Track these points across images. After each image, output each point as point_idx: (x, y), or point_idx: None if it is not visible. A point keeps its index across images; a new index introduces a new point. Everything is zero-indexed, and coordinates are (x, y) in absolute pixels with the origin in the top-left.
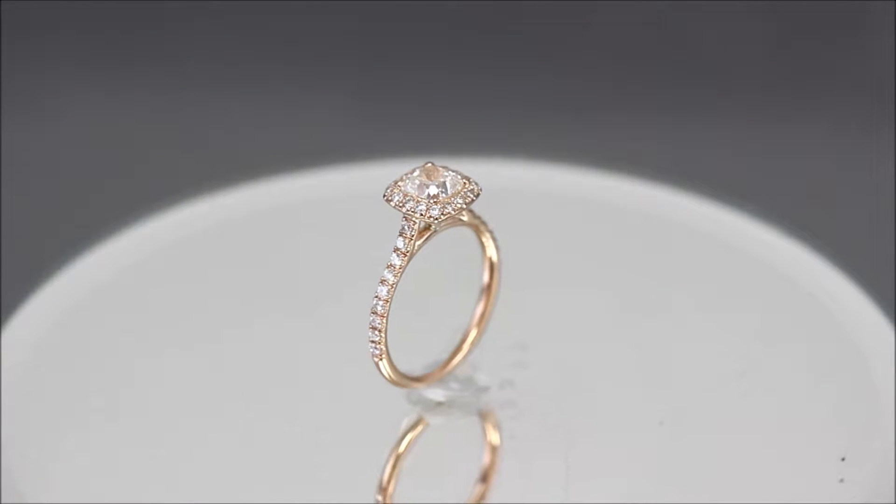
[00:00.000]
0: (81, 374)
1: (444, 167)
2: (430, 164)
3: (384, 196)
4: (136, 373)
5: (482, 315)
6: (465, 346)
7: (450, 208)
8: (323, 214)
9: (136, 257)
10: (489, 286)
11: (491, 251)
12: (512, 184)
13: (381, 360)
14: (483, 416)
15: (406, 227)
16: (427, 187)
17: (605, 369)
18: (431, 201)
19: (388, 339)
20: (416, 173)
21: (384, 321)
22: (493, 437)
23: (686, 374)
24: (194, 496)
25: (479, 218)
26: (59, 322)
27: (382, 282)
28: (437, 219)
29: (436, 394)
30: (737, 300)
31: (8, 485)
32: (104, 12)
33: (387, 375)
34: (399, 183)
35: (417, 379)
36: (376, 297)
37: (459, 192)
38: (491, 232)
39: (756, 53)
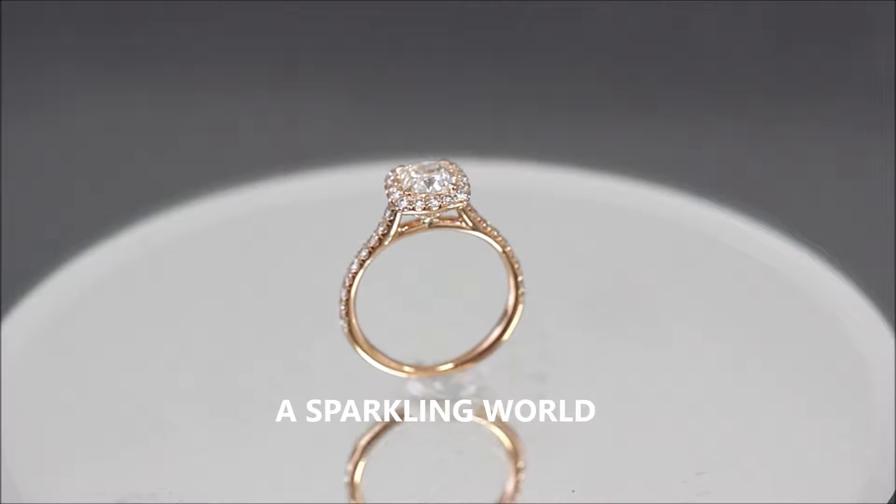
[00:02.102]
0: (79, 372)
1: (455, 170)
2: (442, 161)
3: (386, 174)
4: (134, 371)
5: (492, 343)
6: (463, 360)
7: (418, 205)
8: (321, 214)
9: (135, 256)
10: (511, 314)
11: (505, 261)
12: (511, 185)
13: (345, 330)
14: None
15: (386, 210)
16: (411, 179)
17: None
18: (405, 193)
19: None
20: (421, 165)
21: (349, 293)
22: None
23: (687, 400)
24: (192, 490)
25: (487, 229)
26: (56, 319)
27: (356, 256)
28: (402, 210)
29: (415, 387)
30: (740, 304)
31: (8, 485)
32: (104, 13)
33: (351, 344)
34: (401, 167)
35: (396, 364)
36: (347, 269)
37: (438, 195)
38: (494, 236)
39: (756, 54)
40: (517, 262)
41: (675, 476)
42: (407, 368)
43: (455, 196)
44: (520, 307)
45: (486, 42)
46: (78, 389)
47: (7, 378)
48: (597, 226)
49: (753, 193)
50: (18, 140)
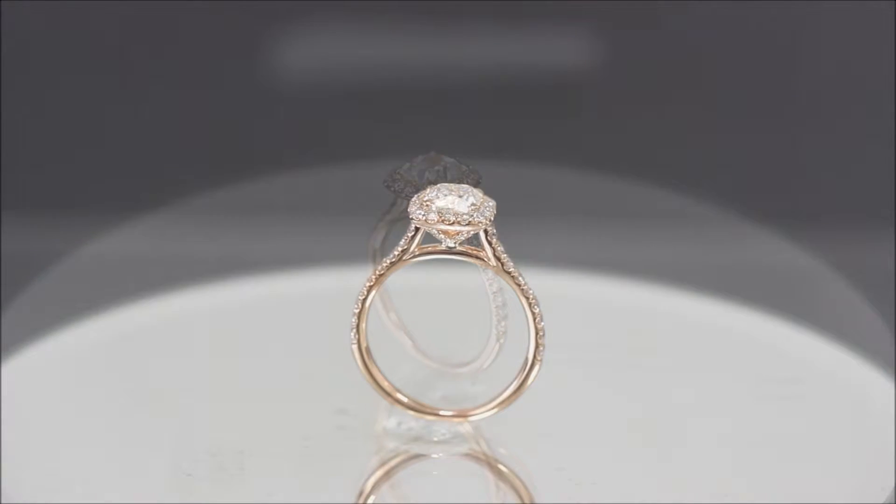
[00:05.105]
0: (78, 371)
1: (474, 204)
2: (472, 189)
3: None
4: (132, 372)
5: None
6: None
7: (416, 213)
8: (321, 214)
9: (135, 253)
10: (522, 382)
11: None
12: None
13: (353, 344)
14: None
15: (408, 225)
16: (428, 191)
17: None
18: (408, 197)
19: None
20: (453, 182)
21: (359, 305)
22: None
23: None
24: (192, 491)
25: (511, 273)
26: (55, 316)
27: (374, 270)
28: (400, 207)
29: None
30: (736, 304)
31: (8, 485)
32: (101, 13)
33: (357, 363)
34: (431, 188)
35: (395, 395)
36: (364, 282)
37: (456, 212)
38: (522, 292)
39: (756, 54)
40: (539, 315)
41: (673, 478)
42: (401, 397)
43: (473, 217)
44: (535, 368)
45: (483, 41)
46: (78, 389)
47: (7, 378)
48: (597, 228)
49: (753, 193)
50: (18, 139)
